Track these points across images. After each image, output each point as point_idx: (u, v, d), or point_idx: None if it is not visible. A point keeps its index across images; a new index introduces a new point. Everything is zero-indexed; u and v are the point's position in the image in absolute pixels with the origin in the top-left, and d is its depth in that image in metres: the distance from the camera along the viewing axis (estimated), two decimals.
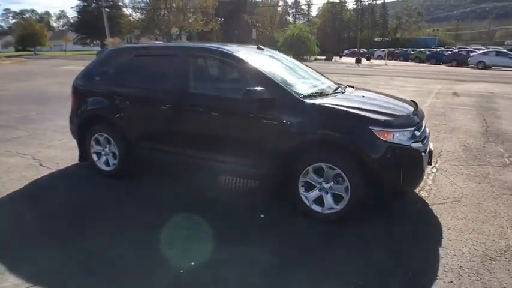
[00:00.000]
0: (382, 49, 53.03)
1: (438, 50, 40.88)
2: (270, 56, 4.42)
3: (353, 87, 4.60)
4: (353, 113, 3.34)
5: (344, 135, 3.28)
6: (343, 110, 3.38)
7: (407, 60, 41.39)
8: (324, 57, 42.42)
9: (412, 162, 3.36)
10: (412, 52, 43.18)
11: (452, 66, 30.71)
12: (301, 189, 3.49)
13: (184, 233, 3.27)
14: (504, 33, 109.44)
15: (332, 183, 3.38)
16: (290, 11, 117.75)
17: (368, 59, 41.94)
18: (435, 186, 4.35)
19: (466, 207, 3.81)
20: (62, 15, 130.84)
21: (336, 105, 3.46)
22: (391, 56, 44.47)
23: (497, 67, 27.05)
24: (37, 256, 2.91)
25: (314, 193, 3.46)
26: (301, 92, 3.60)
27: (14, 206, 3.89)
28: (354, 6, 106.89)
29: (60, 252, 2.97)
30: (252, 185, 4.36)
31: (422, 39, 76.94)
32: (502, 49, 34.61)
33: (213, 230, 3.28)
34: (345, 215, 3.37)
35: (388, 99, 4.20)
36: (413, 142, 3.34)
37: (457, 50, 35.53)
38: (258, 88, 3.42)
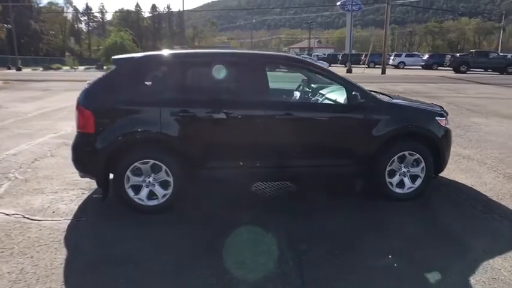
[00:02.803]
0: None
1: None
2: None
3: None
4: (423, 108, 4.29)
5: (423, 126, 4.18)
6: (417, 107, 4.31)
7: None
8: None
9: (451, 140, 4.50)
10: None
11: None
12: (387, 177, 4.14)
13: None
14: (278, 41, 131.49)
15: (409, 166, 4.17)
16: (82, 19, 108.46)
17: None
18: None
19: (455, 172, 5.24)
20: None
21: (407, 103, 4.30)
22: None
23: None
24: None
25: (396, 178, 4.22)
26: (376, 95, 4.25)
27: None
28: (150, 15, 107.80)
29: None
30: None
31: (220, 47, 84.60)
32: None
33: None
34: (421, 191, 4.22)
35: (413, 99, 5.20)
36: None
37: None
38: (358, 93, 3.88)
